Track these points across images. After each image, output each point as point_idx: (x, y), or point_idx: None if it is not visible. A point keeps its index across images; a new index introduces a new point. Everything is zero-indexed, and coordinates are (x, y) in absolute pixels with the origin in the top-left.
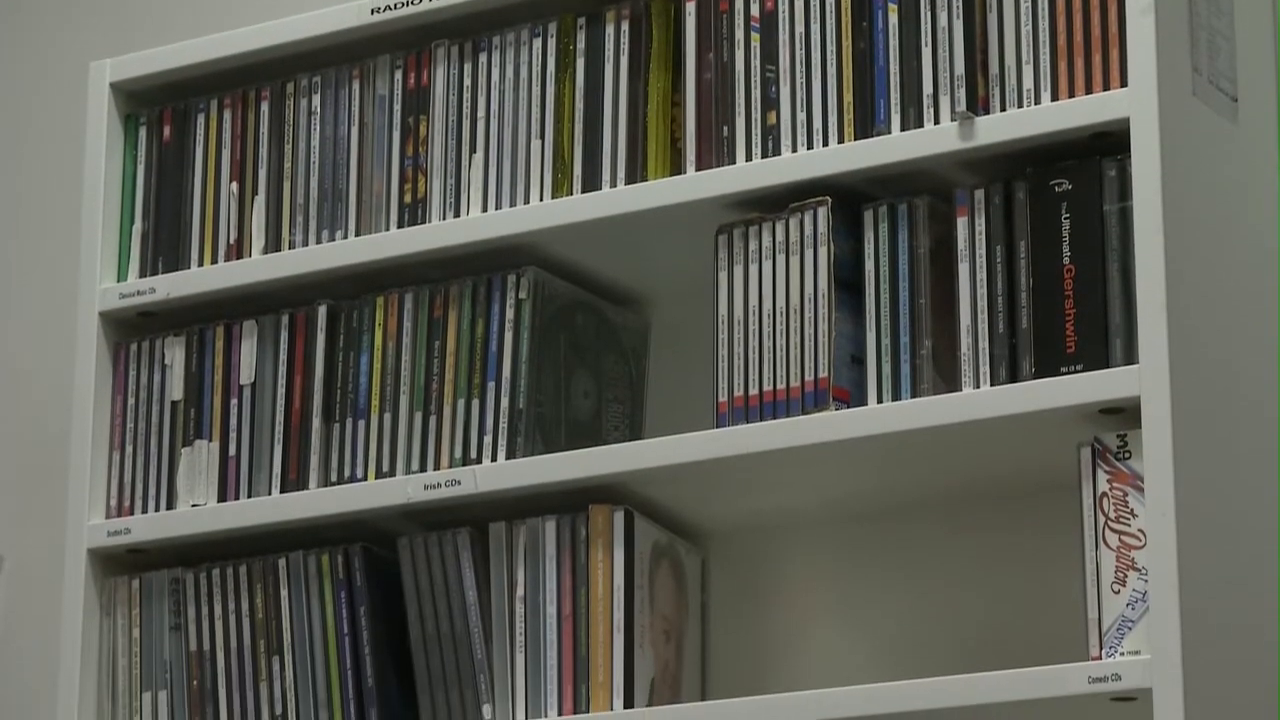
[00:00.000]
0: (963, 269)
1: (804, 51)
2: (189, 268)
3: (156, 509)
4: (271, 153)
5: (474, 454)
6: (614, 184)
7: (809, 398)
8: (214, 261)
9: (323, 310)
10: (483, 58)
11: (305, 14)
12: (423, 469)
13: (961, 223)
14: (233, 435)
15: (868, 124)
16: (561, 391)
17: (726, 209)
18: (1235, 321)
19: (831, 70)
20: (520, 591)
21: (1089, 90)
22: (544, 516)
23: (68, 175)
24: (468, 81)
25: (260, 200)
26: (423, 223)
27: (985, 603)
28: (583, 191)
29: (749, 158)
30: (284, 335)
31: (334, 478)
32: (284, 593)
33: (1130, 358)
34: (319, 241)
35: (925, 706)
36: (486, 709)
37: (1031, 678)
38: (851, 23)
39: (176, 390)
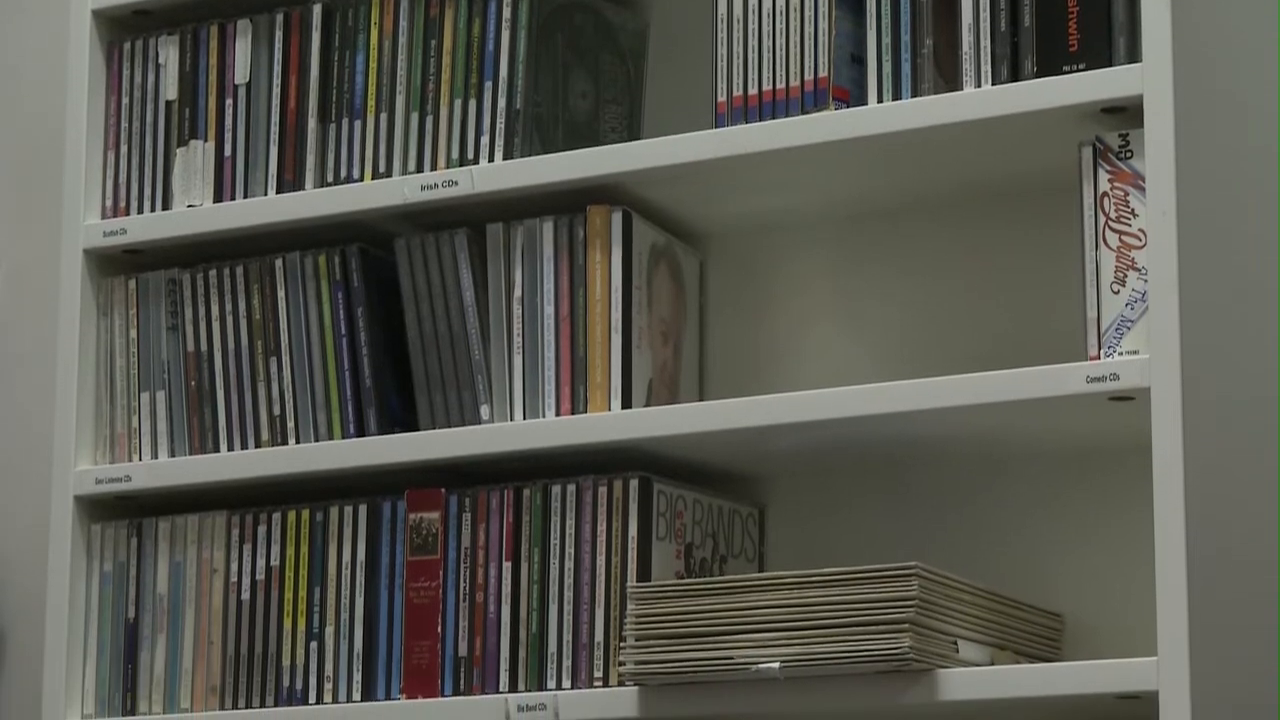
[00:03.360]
0: None
1: None
2: None
3: (152, 209)
4: None
5: (471, 154)
6: None
7: (808, 97)
8: None
9: (317, 9)
10: None
11: None
12: (419, 169)
13: None
14: (228, 135)
15: None
16: (559, 92)
17: None
18: (1241, 18)
19: None
20: (518, 292)
21: None
22: (541, 217)
23: None
24: None
25: None
26: None
27: (984, 304)
28: None
29: None
30: (278, 34)
31: (330, 178)
32: (281, 294)
33: (1133, 56)
34: None
35: (923, 406)
36: (484, 409)
37: (1029, 378)
38: None
39: (171, 90)
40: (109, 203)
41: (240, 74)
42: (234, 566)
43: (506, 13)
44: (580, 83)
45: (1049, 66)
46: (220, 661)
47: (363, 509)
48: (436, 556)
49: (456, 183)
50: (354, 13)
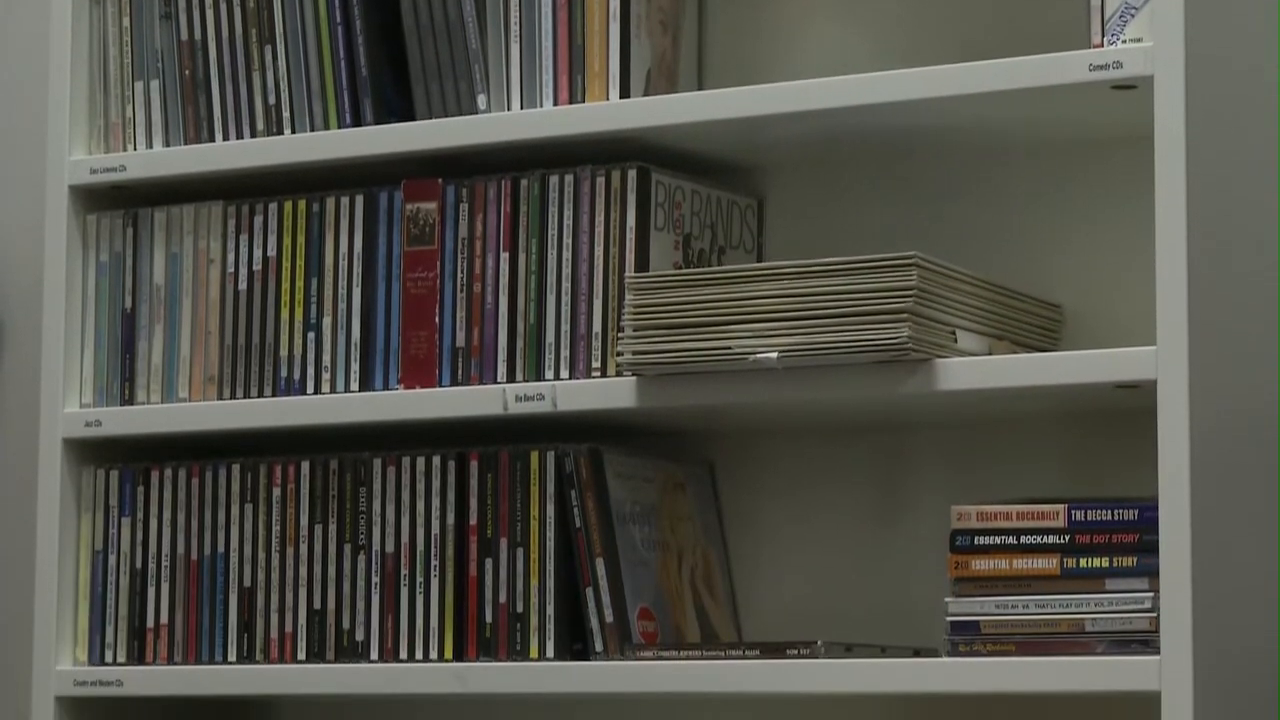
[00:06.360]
0: None
1: None
2: None
3: None
4: None
5: None
6: None
7: None
8: None
9: None
10: None
11: None
12: None
13: None
14: None
15: None
16: None
17: None
18: None
19: None
20: None
21: None
22: None
23: None
24: None
25: None
26: None
27: None
28: None
29: None
30: None
31: None
32: None
33: None
34: None
35: (925, 95)
36: (481, 99)
37: (1031, 66)
38: None
39: None
40: None
41: None
42: (230, 257)
43: None
44: None
45: None
46: (218, 351)
47: (359, 199)
48: (434, 247)
49: None
50: None
